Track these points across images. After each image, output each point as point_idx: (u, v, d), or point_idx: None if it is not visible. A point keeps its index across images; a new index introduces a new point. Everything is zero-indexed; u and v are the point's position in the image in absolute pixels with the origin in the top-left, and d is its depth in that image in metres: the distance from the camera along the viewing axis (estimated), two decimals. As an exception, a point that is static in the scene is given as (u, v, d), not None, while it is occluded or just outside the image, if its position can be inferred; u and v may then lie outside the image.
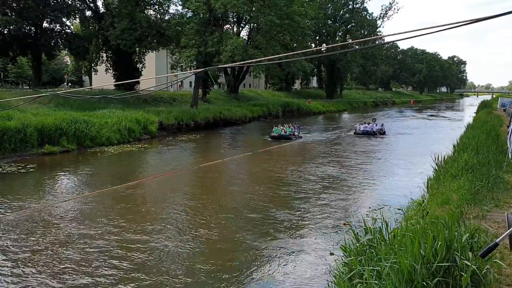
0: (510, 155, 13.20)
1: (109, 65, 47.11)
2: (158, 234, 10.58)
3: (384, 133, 34.15)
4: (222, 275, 8.42)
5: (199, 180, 17.93)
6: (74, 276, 8.25)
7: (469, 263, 4.81)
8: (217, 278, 8.27)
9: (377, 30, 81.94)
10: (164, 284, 8.01)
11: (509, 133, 12.10)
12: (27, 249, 9.50)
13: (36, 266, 8.63)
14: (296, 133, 30.85)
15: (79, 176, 18.06)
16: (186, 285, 8.03)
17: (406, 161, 22.09)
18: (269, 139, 29.96)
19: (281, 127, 31.07)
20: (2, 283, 7.96)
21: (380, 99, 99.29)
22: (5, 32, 38.66)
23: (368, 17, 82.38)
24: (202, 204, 13.39)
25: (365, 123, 35.67)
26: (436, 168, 14.67)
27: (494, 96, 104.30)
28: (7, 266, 8.62)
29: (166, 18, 43.20)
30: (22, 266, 8.64)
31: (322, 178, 17.59)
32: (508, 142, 12.06)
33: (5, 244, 9.79)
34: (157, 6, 43.60)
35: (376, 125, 34.53)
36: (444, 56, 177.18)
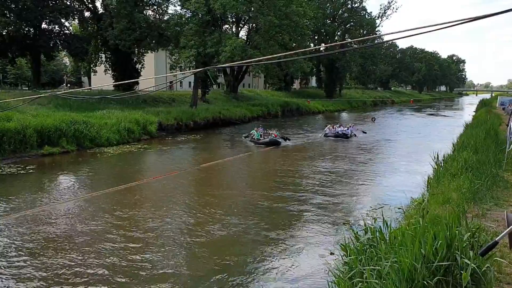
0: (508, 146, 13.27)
1: (108, 66, 47.08)
2: (160, 233, 10.58)
3: (355, 136, 31.95)
4: (220, 274, 8.42)
5: (199, 180, 17.93)
6: (74, 275, 8.24)
7: (469, 262, 4.81)
8: (215, 277, 8.27)
9: (376, 29, 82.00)
10: (164, 281, 8.01)
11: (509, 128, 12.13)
12: (27, 250, 9.49)
13: (36, 267, 8.62)
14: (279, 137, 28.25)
15: (79, 177, 18.04)
16: (185, 283, 8.03)
17: (405, 160, 22.10)
18: (261, 145, 26.95)
19: (262, 130, 28.83)
20: (3, 283, 7.96)
21: (379, 98, 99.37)
22: (4, 33, 38.69)
23: (367, 16, 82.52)
24: (203, 204, 13.39)
25: (334, 126, 33.13)
26: (436, 167, 14.69)
27: (493, 94, 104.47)
28: (7, 267, 8.62)
29: (165, 18, 43.21)
30: (22, 266, 8.64)
31: (321, 177, 17.59)
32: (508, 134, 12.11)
33: (5, 245, 9.79)
34: (155, 7, 43.60)
35: (347, 128, 32.35)
36: (443, 55, 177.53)
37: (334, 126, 32.91)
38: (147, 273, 8.43)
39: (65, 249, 9.61)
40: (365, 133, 33.85)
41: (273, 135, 28.10)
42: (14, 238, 10.25)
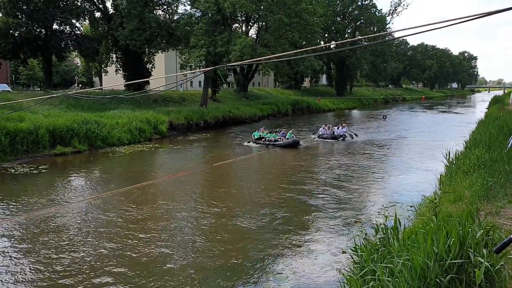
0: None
1: (119, 66, 47.33)
2: (174, 231, 10.63)
3: (354, 136, 29.92)
4: (231, 272, 8.45)
5: (212, 179, 17.98)
6: (87, 275, 8.31)
7: (482, 260, 4.77)
8: (226, 275, 8.30)
9: (387, 26, 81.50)
10: (176, 279, 8.05)
11: None
12: (41, 249, 9.59)
13: (51, 263, 8.71)
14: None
15: (92, 177, 18.18)
16: (198, 279, 8.06)
17: (417, 158, 21.93)
18: (274, 147, 25.63)
19: (262, 130, 28.06)
20: (18, 282, 8.05)
21: (390, 96, 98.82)
22: (16, 34, 39.10)
23: (377, 13, 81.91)
24: (216, 202, 13.42)
25: (330, 126, 31.03)
26: (448, 164, 14.58)
27: (506, 91, 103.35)
28: (21, 266, 8.72)
29: (175, 18, 43.34)
30: (35, 265, 8.73)
31: (333, 175, 17.55)
32: None
33: (19, 244, 9.90)
34: (165, 6, 43.75)
35: (342, 128, 30.34)
36: (455, 51, 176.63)
37: (330, 126, 30.66)
38: (162, 269, 8.48)
39: (78, 247, 9.68)
40: (357, 136, 30.44)
41: (292, 135, 26.53)
42: (27, 237, 10.36)
